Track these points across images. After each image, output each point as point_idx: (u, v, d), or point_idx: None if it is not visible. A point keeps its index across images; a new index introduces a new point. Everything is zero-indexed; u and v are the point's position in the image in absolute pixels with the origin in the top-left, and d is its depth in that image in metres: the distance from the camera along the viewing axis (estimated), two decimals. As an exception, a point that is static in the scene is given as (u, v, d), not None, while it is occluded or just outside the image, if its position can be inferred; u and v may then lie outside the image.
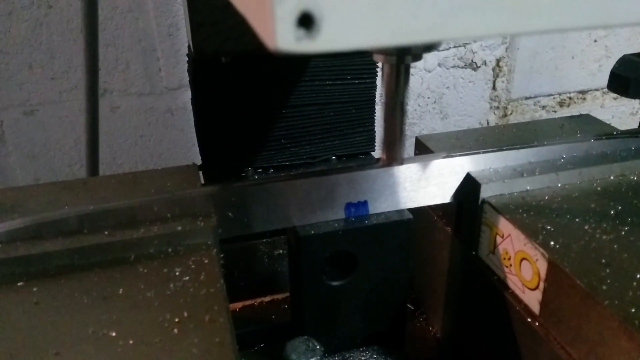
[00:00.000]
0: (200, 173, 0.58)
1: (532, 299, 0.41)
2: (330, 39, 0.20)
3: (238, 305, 0.61)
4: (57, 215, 0.40)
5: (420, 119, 1.18)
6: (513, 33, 0.23)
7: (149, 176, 0.48)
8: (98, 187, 0.46)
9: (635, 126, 0.63)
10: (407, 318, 0.59)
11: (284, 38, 0.19)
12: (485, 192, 0.46)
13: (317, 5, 0.19)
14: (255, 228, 0.44)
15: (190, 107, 0.55)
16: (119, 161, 1.04)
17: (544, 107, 1.26)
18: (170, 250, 0.39)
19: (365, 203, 0.46)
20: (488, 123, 1.23)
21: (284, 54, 0.20)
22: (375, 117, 0.58)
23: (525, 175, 0.47)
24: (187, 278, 0.37)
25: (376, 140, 0.60)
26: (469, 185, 0.47)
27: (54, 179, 1.01)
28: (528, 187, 0.46)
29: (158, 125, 1.03)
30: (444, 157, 0.47)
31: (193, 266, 0.38)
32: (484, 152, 0.48)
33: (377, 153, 0.58)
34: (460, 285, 0.51)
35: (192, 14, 0.46)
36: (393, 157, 0.45)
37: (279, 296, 0.61)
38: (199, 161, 0.57)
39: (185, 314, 0.34)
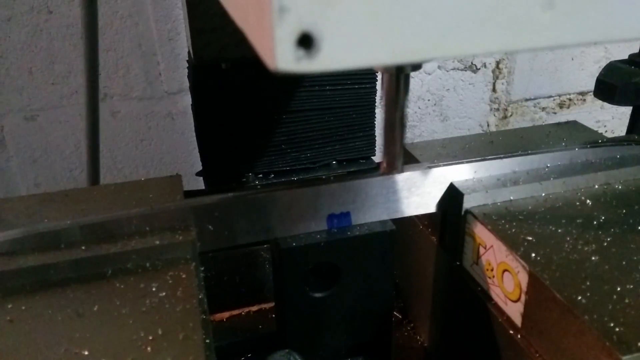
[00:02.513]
0: (202, 179, 0.59)
1: (514, 311, 0.41)
2: (330, 58, 0.20)
3: (225, 315, 0.61)
4: (34, 229, 0.39)
5: (420, 122, 1.18)
6: (513, 50, 0.23)
7: (131, 188, 0.48)
8: (78, 200, 0.46)
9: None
10: (395, 327, 0.59)
11: (284, 58, 0.19)
12: (469, 202, 0.46)
13: (316, 25, 0.19)
14: (236, 241, 0.44)
15: (190, 111, 0.55)
16: (120, 165, 1.04)
17: (544, 109, 1.25)
18: (148, 264, 0.39)
19: (347, 214, 0.46)
20: (488, 125, 1.23)
21: (283, 74, 0.20)
22: (375, 122, 0.58)
23: (508, 185, 0.46)
24: (164, 294, 0.36)
25: (376, 145, 0.59)
26: (452, 195, 0.47)
27: (55, 184, 1.02)
28: (511, 197, 0.46)
29: (158, 130, 1.03)
30: (428, 167, 0.47)
31: (170, 281, 0.38)
32: (467, 162, 0.48)
33: (378, 157, 0.57)
34: (446, 295, 0.51)
35: (192, 21, 0.46)
36: (393, 165, 0.45)
37: (266, 305, 0.61)
38: (199, 166, 0.57)
39: (160, 332, 0.33)
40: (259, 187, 0.54)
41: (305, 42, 0.19)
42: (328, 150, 0.57)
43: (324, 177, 0.51)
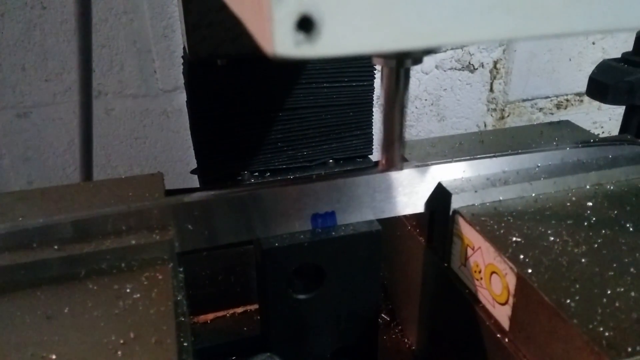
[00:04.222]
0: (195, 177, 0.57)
1: (502, 314, 0.40)
2: (331, 43, 0.19)
3: (210, 316, 0.59)
4: (5, 228, 0.38)
5: (417, 121, 1.17)
6: (523, 37, 0.22)
7: (111, 185, 0.47)
8: (55, 198, 0.44)
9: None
10: (383, 329, 0.58)
11: (283, 42, 0.18)
12: (457, 203, 0.44)
13: (317, 7, 0.18)
14: (217, 241, 0.43)
15: (185, 109, 0.54)
16: (114, 164, 1.03)
17: (541, 109, 1.25)
18: (123, 265, 0.38)
19: (332, 214, 0.45)
20: (485, 125, 1.22)
21: (282, 60, 0.18)
22: (372, 120, 0.57)
23: (498, 184, 0.45)
24: (138, 295, 0.35)
25: (374, 143, 0.58)
26: (440, 195, 0.45)
27: (48, 183, 1.00)
28: (501, 197, 0.45)
29: (153, 128, 1.01)
30: (416, 166, 0.46)
31: (146, 282, 0.36)
32: (456, 161, 0.46)
33: (375, 156, 0.56)
34: (434, 297, 0.50)
35: (187, 16, 0.45)
36: (391, 162, 0.43)
37: (252, 307, 0.60)
38: (195, 164, 0.56)
39: (132, 335, 0.32)
40: (242, 185, 0.52)
41: (305, 25, 0.18)
42: (325, 149, 0.56)
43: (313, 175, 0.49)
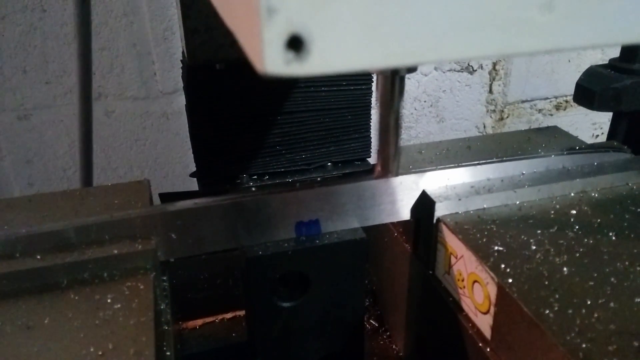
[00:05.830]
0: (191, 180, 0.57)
1: (484, 323, 0.40)
2: (321, 61, 0.19)
3: (198, 322, 0.59)
4: (-12, 238, 0.38)
5: (416, 123, 1.17)
6: (510, 54, 0.22)
7: (97, 193, 0.47)
8: (42, 206, 0.45)
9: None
10: (371, 335, 0.58)
11: (273, 61, 0.18)
12: (440, 211, 0.44)
13: (306, 27, 0.18)
14: (201, 249, 0.43)
15: (185, 111, 0.54)
16: (114, 165, 1.03)
17: (540, 111, 1.25)
18: (105, 275, 0.38)
19: (317, 222, 0.45)
20: (484, 127, 1.22)
21: (273, 78, 0.19)
22: (370, 123, 0.57)
23: (482, 192, 0.45)
24: (119, 306, 0.35)
25: (372, 146, 0.58)
26: (424, 203, 0.46)
27: (49, 184, 1.01)
28: (485, 205, 0.45)
29: (153, 130, 1.02)
30: (401, 174, 0.46)
31: (127, 292, 0.36)
32: (440, 169, 0.46)
33: (373, 159, 0.57)
34: (420, 304, 0.50)
35: (186, 20, 0.46)
36: (387, 169, 0.44)
37: (241, 313, 0.60)
38: (194, 166, 0.56)
39: (110, 346, 0.32)
40: (227, 193, 0.52)
41: (295, 44, 0.18)
42: (323, 152, 0.56)
43: (297, 184, 0.49)
